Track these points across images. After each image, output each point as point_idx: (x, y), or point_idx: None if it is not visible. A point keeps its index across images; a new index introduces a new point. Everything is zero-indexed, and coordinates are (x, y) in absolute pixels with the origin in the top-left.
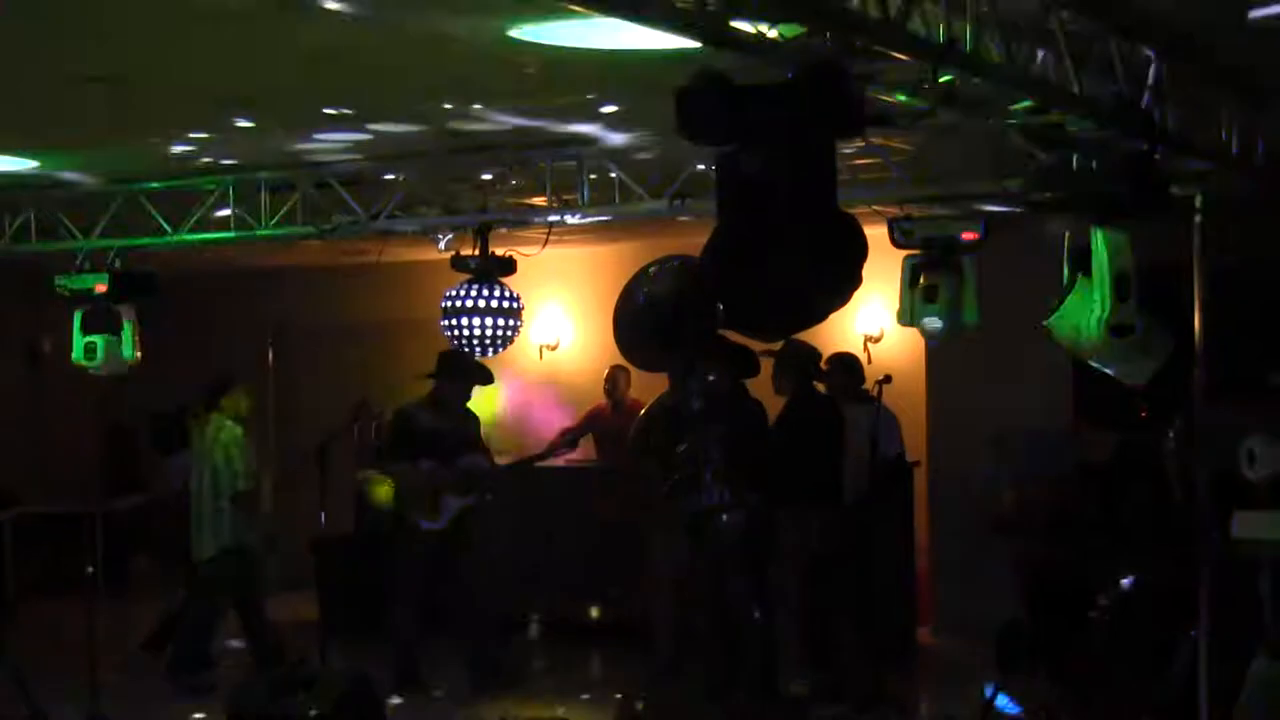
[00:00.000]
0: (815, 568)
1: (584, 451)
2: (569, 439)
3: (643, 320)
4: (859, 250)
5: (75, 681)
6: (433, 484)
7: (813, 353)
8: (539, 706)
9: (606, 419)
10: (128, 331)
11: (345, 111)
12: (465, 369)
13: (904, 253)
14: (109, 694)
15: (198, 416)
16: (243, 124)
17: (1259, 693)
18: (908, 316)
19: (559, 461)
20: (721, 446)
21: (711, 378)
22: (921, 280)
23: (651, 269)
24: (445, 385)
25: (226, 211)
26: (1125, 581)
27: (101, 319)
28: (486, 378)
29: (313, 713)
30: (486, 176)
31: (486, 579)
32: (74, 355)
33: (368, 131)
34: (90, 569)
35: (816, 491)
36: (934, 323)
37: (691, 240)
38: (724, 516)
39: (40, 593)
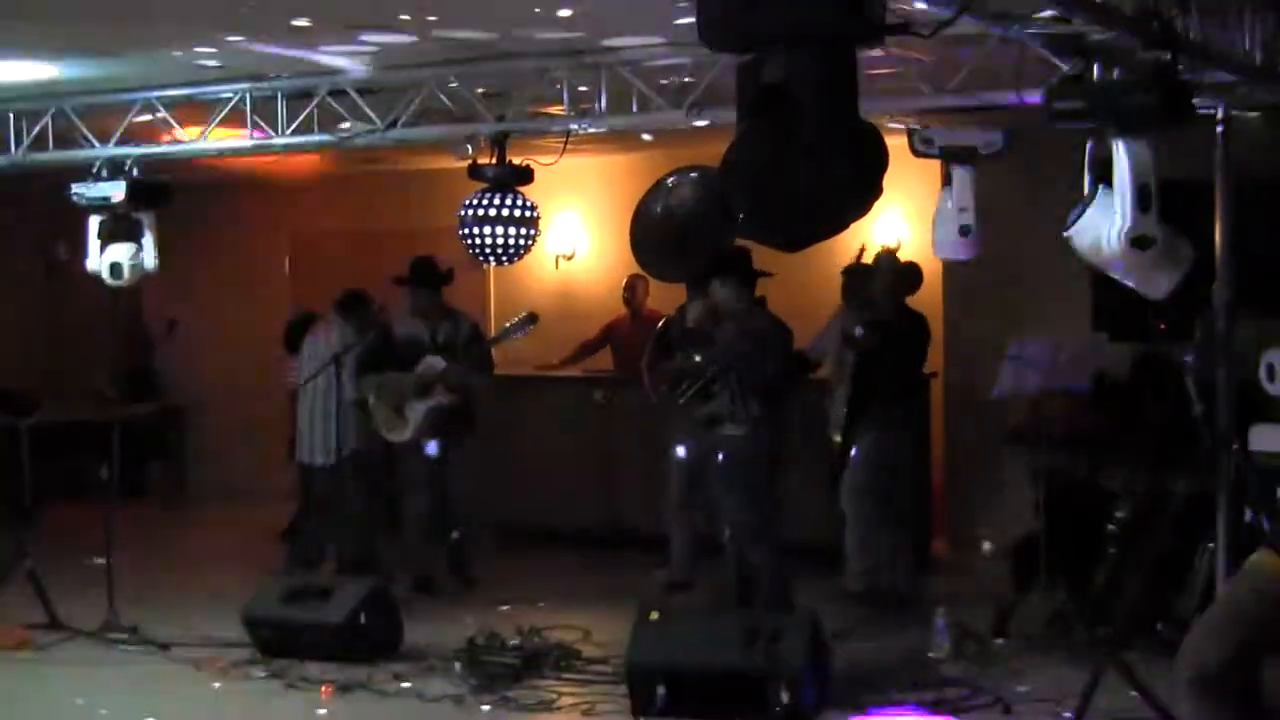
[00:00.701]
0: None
1: (602, 362)
2: (527, 317)
3: (659, 230)
4: (880, 159)
5: (93, 587)
6: (393, 396)
7: (914, 266)
8: (558, 616)
9: (625, 329)
10: (148, 241)
11: (363, 19)
12: (427, 273)
13: (924, 163)
14: (126, 599)
15: (323, 322)
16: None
17: (1246, 573)
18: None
19: (575, 371)
20: (728, 359)
21: (722, 291)
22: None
23: (670, 180)
24: (415, 292)
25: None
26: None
27: (123, 227)
28: (448, 279)
29: (331, 621)
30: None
31: (467, 484)
32: (90, 264)
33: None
34: (106, 475)
35: (908, 404)
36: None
37: (709, 149)
38: (726, 428)
39: (58, 498)
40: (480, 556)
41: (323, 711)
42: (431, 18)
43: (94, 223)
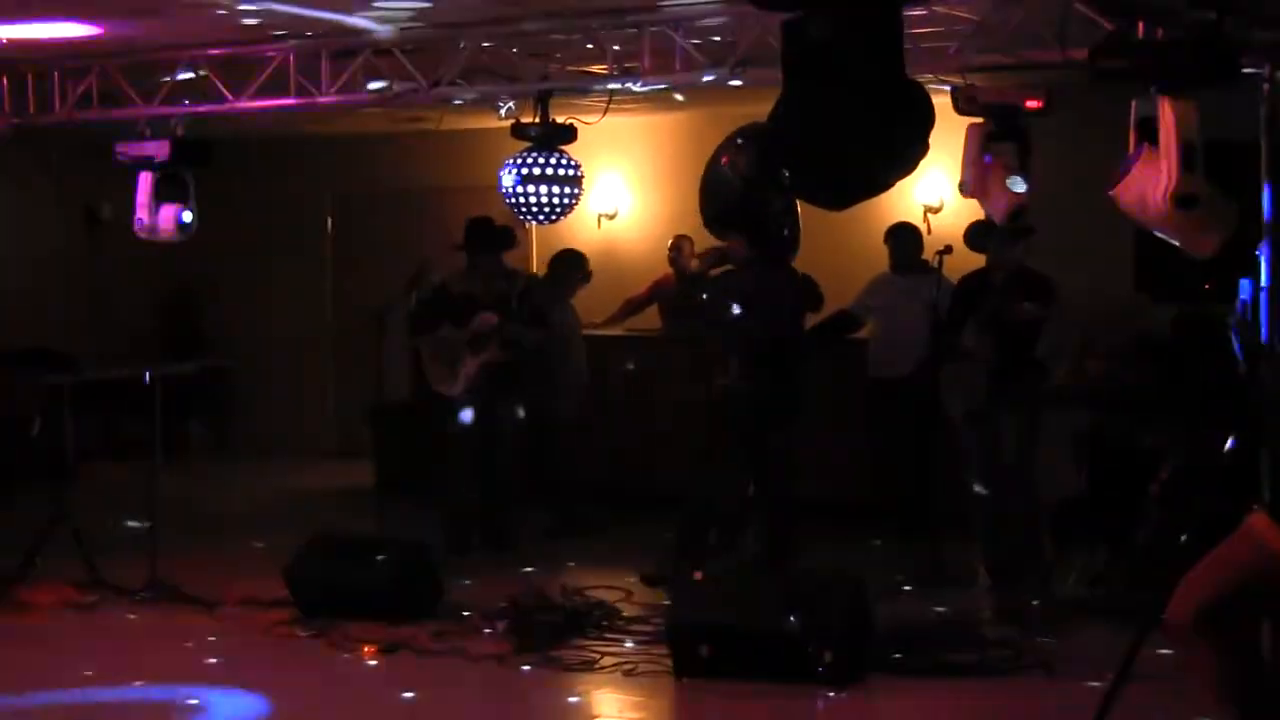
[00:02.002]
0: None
1: (648, 320)
2: (625, 313)
3: (720, 190)
4: (926, 118)
5: (135, 545)
6: (447, 350)
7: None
8: (599, 576)
9: (670, 289)
10: (191, 200)
11: None
12: (488, 235)
13: (966, 122)
14: (167, 558)
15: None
16: None
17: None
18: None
19: (619, 331)
20: (739, 320)
21: (735, 252)
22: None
23: (739, 139)
24: (475, 252)
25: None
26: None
27: (171, 187)
28: (510, 242)
29: (374, 580)
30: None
31: (512, 448)
32: (139, 220)
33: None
34: (149, 433)
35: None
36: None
37: (754, 109)
38: (729, 387)
39: (100, 457)
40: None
41: (366, 670)
42: None
43: (145, 180)
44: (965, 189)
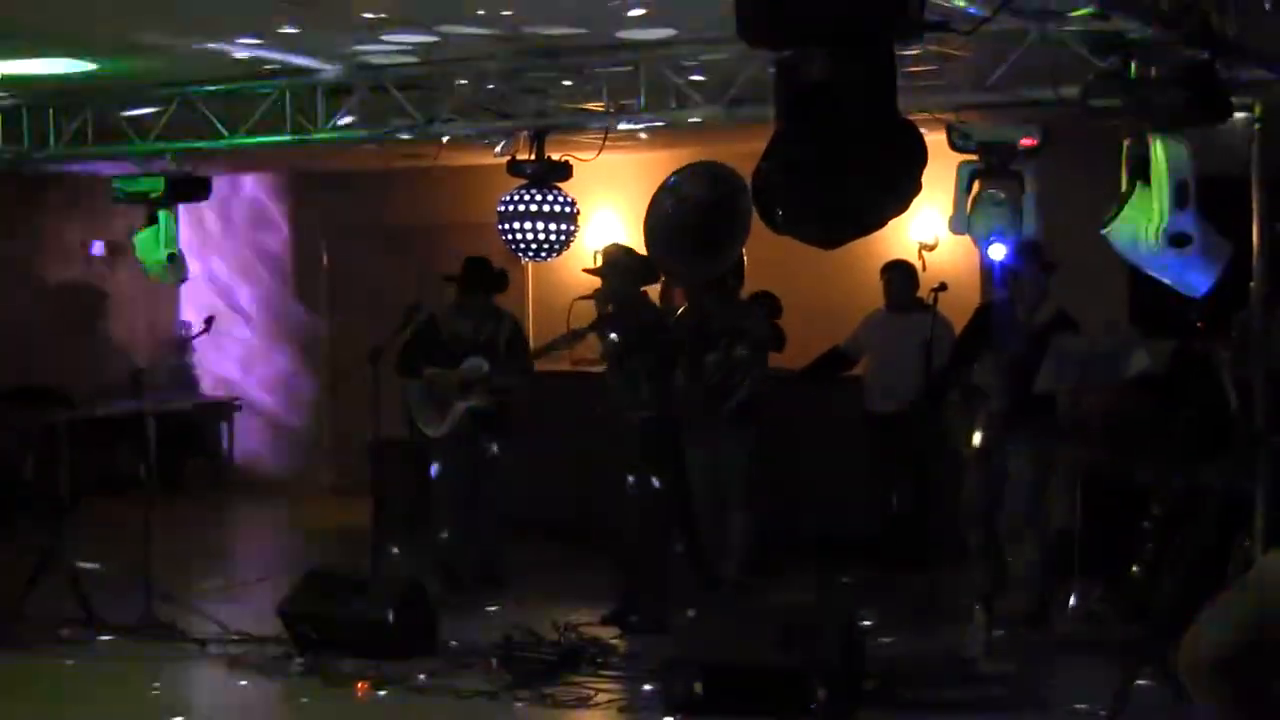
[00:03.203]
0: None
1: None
2: (573, 334)
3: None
4: (919, 156)
5: (130, 583)
6: (435, 391)
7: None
8: (592, 613)
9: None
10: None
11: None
12: (485, 276)
13: (960, 159)
14: (163, 596)
15: None
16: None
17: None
18: (962, 225)
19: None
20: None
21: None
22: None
23: (671, 179)
24: (467, 291)
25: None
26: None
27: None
28: (503, 285)
29: (368, 617)
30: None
31: (498, 484)
32: (138, 252)
33: (431, 34)
34: (144, 470)
35: None
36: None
37: (749, 146)
38: (629, 416)
39: (96, 494)
40: (510, 555)
41: (359, 707)
42: (506, 12)
43: (139, 217)
44: (954, 226)
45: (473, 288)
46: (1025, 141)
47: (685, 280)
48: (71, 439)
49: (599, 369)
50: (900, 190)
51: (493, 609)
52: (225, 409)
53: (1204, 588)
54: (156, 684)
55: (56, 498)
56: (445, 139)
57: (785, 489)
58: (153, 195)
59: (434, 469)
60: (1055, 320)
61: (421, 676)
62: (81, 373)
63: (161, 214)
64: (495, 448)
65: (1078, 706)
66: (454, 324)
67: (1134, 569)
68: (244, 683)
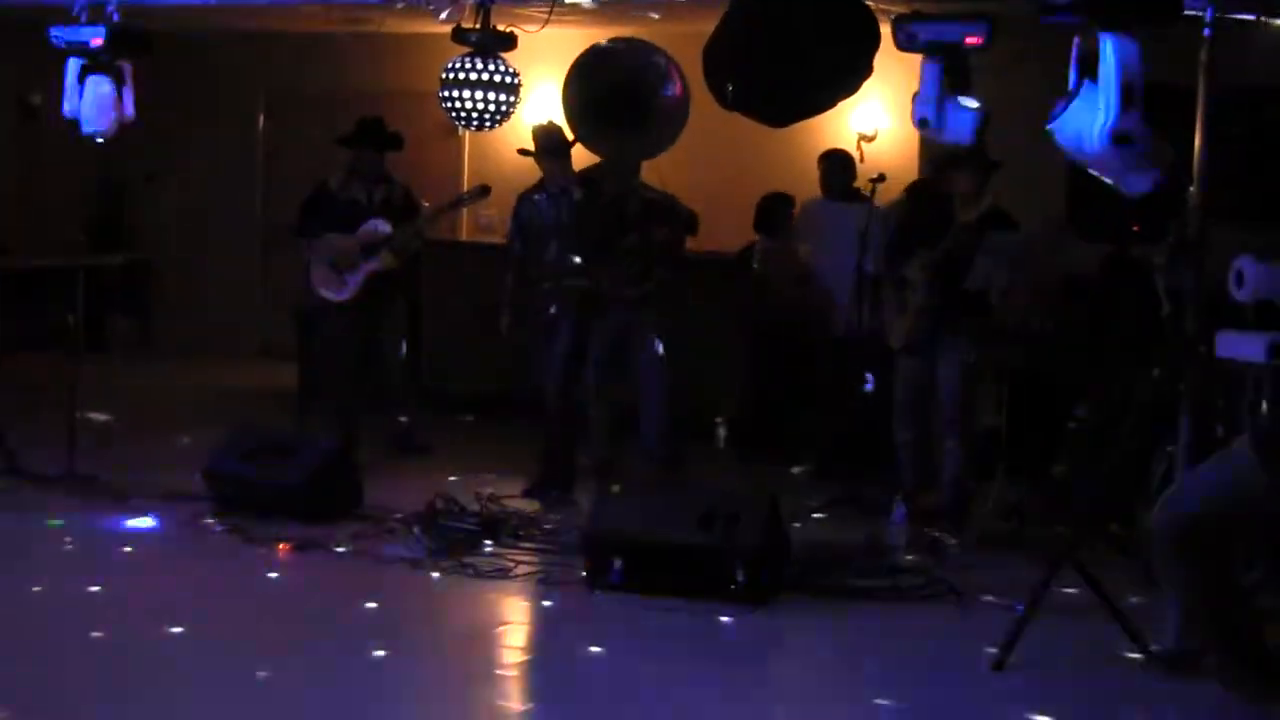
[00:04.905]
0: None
1: None
2: (479, 188)
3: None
4: (872, 39)
5: (54, 436)
6: (335, 255)
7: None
8: (508, 484)
9: None
10: (128, 90)
11: None
12: (379, 136)
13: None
14: (86, 450)
15: None
16: None
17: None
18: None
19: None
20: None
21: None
22: None
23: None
24: (359, 154)
25: None
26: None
27: (104, 72)
28: (397, 143)
29: (291, 480)
30: None
31: (403, 351)
32: (66, 105)
33: None
34: (71, 322)
35: None
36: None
37: (697, 26)
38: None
39: (20, 348)
40: (433, 426)
41: (274, 575)
42: None
43: (72, 66)
44: (928, 125)
45: (365, 146)
46: (971, 39)
47: (614, 158)
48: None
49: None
50: (851, 72)
51: (416, 478)
52: (157, 268)
53: (1126, 490)
54: (69, 539)
55: None
56: (390, 4)
57: (705, 379)
58: (93, 46)
59: (330, 333)
60: (989, 215)
61: (342, 543)
62: (14, 223)
63: (127, 84)
64: (396, 313)
65: (995, 600)
66: (345, 189)
67: (1057, 469)
68: (164, 537)
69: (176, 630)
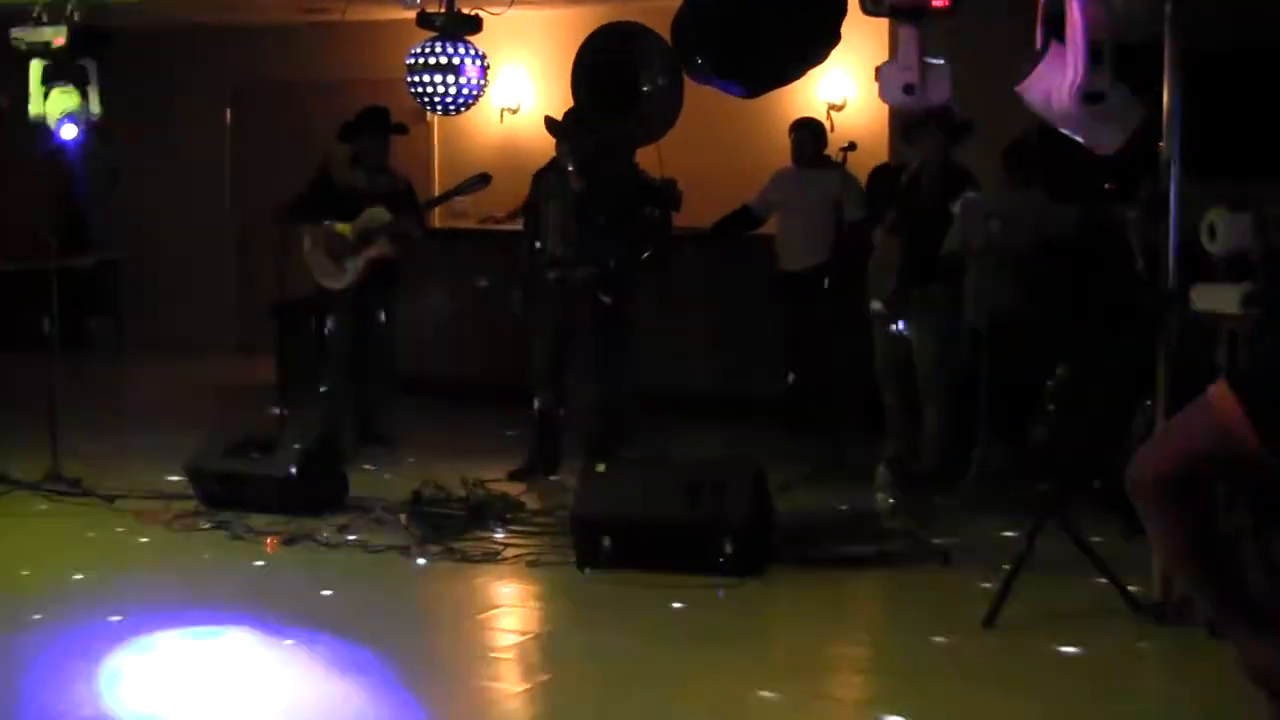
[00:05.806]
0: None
1: None
2: (478, 177)
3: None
4: (839, 7)
5: (34, 439)
6: (334, 244)
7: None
8: (499, 469)
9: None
10: (92, 89)
11: None
12: (380, 123)
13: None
14: (68, 451)
15: None
16: None
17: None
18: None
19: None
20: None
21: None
22: None
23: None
24: (363, 142)
25: None
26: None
27: (66, 73)
28: (401, 129)
29: (275, 473)
30: None
31: (393, 340)
32: (32, 109)
33: None
34: (48, 327)
35: None
36: None
37: (662, 4)
38: (551, 274)
39: None
40: (411, 411)
41: (262, 563)
42: None
43: (35, 68)
44: (913, 91)
45: (373, 134)
46: (937, 3)
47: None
48: None
49: (507, 227)
50: (819, 42)
51: (402, 466)
52: (127, 266)
53: (1106, 449)
54: (62, 540)
55: None
56: None
57: (691, 349)
58: (55, 46)
59: (329, 323)
60: (947, 175)
61: (329, 532)
62: None
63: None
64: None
65: (980, 563)
66: (348, 177)
67: (1037, 429)
68: (152, 538)
69: (176, 629)
